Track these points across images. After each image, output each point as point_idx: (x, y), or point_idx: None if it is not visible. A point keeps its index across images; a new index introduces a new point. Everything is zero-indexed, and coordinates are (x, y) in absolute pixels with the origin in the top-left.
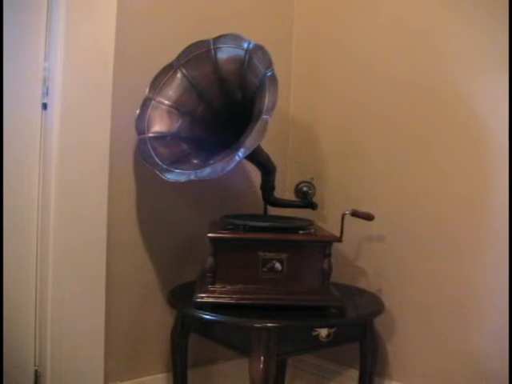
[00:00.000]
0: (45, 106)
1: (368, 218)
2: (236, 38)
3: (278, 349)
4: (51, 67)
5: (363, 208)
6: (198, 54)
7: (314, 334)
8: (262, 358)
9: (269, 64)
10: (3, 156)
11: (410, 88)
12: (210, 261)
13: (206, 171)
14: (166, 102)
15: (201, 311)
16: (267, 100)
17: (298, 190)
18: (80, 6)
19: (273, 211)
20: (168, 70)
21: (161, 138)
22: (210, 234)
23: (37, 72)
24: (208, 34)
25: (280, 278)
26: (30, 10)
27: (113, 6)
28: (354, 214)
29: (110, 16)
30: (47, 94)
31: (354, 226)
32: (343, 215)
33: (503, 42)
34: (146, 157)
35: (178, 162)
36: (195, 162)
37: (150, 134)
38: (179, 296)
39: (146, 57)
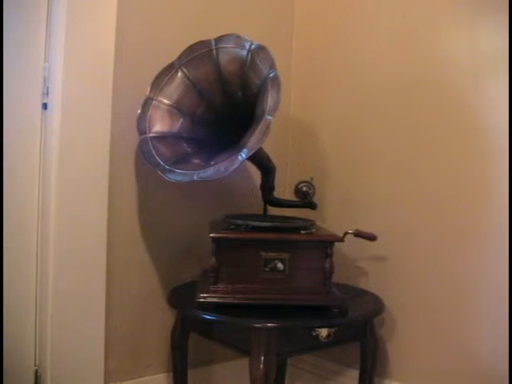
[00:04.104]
0: (45, 106)
1: (371, 238)
2: (238, 39)
3: (277, 349)
4: (51, 67)
5: (363, 208)
6: (200, 54)
7: (314, 334)
8: (262, 357)
9: (271, 64)
10: (3, 156)
11: (411, 88)
12: (212, 261)
13: (209, 172)
14: (167, 101)
15: (201, 311)
16: (270, 100)
17: (297, 190)
18: (80, 5)
19: (272, 211)
20: (169, 70)
21: (162, 137)
22: (212, 234)
23: (37, 72)
24: (208, 34)
25: (282, 277)
26: (30, 9)
27: (113, 6)
28: (358, 235)
29: (111, 16)
30: (47, 93)
31: (355, 226)
32: (345, 234)
33: (504, 41)
34: (148, 157)
35: (179, 162)
36: (196, 162)
37: (152, 134)
38: (179, 296)
39: (146, 57)
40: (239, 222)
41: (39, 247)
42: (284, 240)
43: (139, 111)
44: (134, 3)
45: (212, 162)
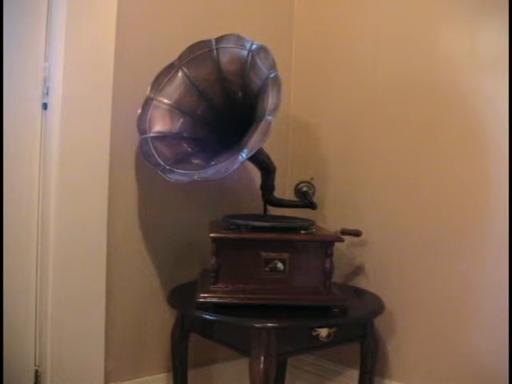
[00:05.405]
0: (45, 106)
1: (356, 234)
2: (238, 39)
3: (278, 349)
4: (51, 67)
5: (363, 208)
6: (200, 54)
7: (314, 334)
8: (262, 357)
9: (272, 65)
10: (3, 156)
11: (410, 88)
12: (212, 261)
13: (209, 172)
14: (168, 101)
15: (201, 311)
16: (271, 101)
17: (297, 190)
18: (80, 5)
19: (273, 211)
20: (169, 70)
21: (162, 137)
22: (212, 234)
23: (37, 72)
24: (208, 34)
25: (282, 277)
26: (30, 9)
27: (113, 6)
28: (344, 232)
29: (111, 15)
30: (47, 93)
31: (355, 225)
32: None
33: (504, 41)
34: (148, 157)
35: (179, 162)
36: (197, 162)
37: (152, 134)
38: (179, 296)
39: (146, 57)
40: (240, 221)
41: (39, 247)
42: (284, 240)
43: (139, 111)
44: (134, 3)
45: (212, 162)
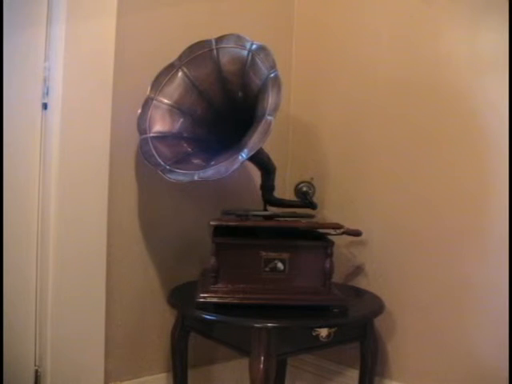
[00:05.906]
0: (45, 106)
1: (356, 234)
2: (239, 39)
3: (278, 349)
4: (51, 67)
5: (363, 208)
6: (200, 54)
7: (314, 334)
8: (262, 357)
9: (272, 65)
10: (3, 156)
11: (410, 89)
12: (212, 261)
13: (209, 171)
14: (168, 101)
15: (201, 311)
16: (271, 101)
17: (297, 190)
18: (80, 5)
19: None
20: (169, 70)
21: (162, 137)
22: (212, 222)
23: (37, 72)
24: (208, 34)
25: (282, 277)
26: (30, 10)
27: (113, 5)
28: (344, 232)
29: (111, 15)
30: (47, 93)
31: (355, 225)
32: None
33: (504, 41)
34: (148, 157)
35: (180, 162)
36: (197, 162)
37: (152, 134)
38: (180, 296)
39: (146, 57)
40: (240, 212)
41: (39, 247)
42: (284, 227)
43: (139, 111)
44: (134, 3)
45: (212, 162)
